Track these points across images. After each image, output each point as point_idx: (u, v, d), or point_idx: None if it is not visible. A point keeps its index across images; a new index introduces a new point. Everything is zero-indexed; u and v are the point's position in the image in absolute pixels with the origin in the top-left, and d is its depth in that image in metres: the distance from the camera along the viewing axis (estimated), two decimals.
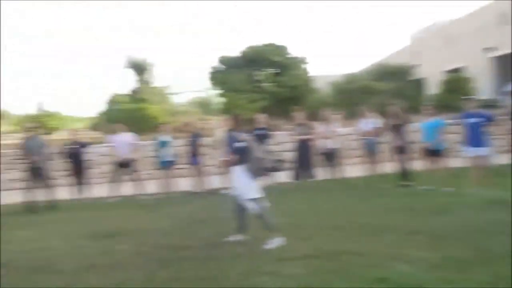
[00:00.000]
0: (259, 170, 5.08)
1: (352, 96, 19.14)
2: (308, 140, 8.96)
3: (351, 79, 20.65)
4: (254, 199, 5.01)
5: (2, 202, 9.55)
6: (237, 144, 5.04)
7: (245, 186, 5.00)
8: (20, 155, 8.65)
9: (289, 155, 9.29)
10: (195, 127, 9.68)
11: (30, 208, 8.21)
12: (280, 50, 17.44)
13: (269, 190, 8.24)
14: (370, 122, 9.39)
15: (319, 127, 9.28)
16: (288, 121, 16.43)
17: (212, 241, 5.20)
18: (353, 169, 10.03)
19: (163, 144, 9.23)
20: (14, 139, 29.48)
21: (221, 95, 18.60)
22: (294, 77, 16.96)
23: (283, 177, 8.98)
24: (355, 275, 3.72)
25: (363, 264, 3.99)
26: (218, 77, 18.17)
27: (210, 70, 18.58)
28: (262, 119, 9.38)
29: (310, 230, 5.40)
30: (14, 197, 10.48)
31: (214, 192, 8.99)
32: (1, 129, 41.91)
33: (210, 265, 4.35)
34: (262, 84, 17.39)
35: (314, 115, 18.55)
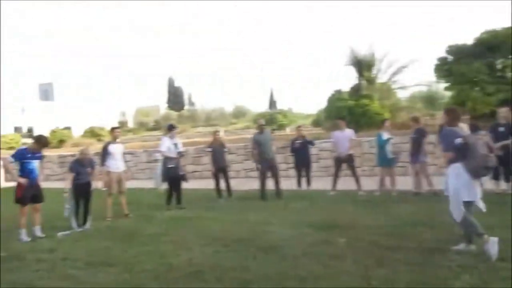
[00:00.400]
0: (480, 170, 4.44)
1: None
2: None
3: None
4: (467, 202, 4.46)
5: (240, 188, 11.12)
6: (454, 141, 4.52)
7: (458, 187, 4.47)
8: (253, 148, 9.85)
9: None
10: (419, 123, 9.05)
11: (262, 195, 9.28)
12: None
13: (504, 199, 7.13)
14: None
15: None
16: None
17: (432, 246, 4.82)
18: None
19: (384, 141, 8.99)
20: (250, 133, 34.00)
21: (450, 88, 16.89)
22: None
23: None
24: None
25: None
26: (446, 69, 16.52)
27: (436, 61, 17.07)
28: (504, 113, 8.04)
29: None
30: (249, 184, 12.08)
31: (436, 194, 8.28)
32: (240, 125, 49.13)
33: (429, 272, 4.04)
34: (503, 73, 14.92)
35: None
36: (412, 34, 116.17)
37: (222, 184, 9.45)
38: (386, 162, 8.98)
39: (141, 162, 16.30)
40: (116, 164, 8.01)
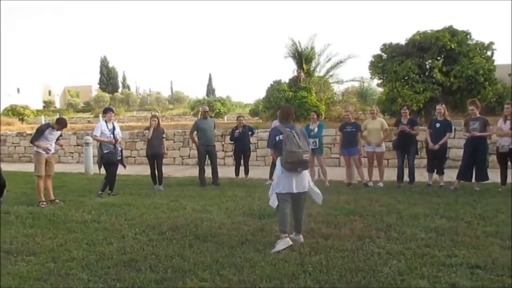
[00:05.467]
0: (288, 165, 4.67)
1: None
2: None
3: None
4: (285, 194, 4.73)
5: (176, 175, 10.90)
6: (276, 138, 4.82)
7: (276, 178, 4.81)
8: (192, 131, 9.63)
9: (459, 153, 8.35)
10: (351, 117, 9.33)
11: (200, 182, 9.15)
12: (457, 35, 15.62)
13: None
14: None
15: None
16: (460, 114, 14.81)
17: (362, 234, 5.00)
18: None
19: (313, 132, 9.08)
20: (188, 120, 33.43)
21: (382, 84, 17.71)
22: (472, 65, 15.04)
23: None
24: None
25: None
26: (379, 66, 17.26)
27: (372, 58, 17.78)
28: (441, 109, 8.41)
29: None
30: (184, 171, 11.88)
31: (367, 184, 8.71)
32: (176, 112, 48.29)
33: (359, 257, 4.19)
34: (431, 73, 15.89)
35: (491, 109, 16.32)
36: (351, 30, 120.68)
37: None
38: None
39: (70, 145, 15.43)
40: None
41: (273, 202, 4.75)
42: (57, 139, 7.61)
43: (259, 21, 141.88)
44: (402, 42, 17.15)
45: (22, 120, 30.61)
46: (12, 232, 5.47)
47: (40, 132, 7.34)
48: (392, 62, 16.59)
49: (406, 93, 15.67)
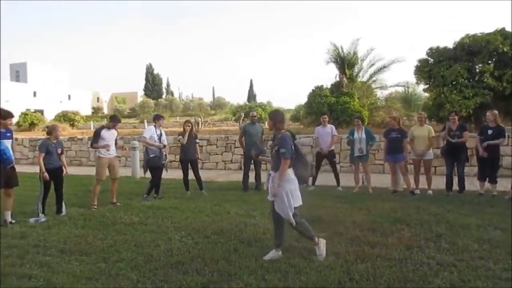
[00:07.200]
0: (306, 177, 4.68)
1: None
2: None
3: None
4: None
5: (218, 180, 11.01)
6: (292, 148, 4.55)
7: (289, 191, 4.49)
8: (240, 136, 9.70)
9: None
10: (397, 123, 9.08)
11: (243, 186, 9.22)
12: (510, 38, 14.83)
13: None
14: None
15: None
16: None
17: (410, 243, 4.85)
18: None
19: (358, 138, 8.99)
20: (229, 125, 33.77)
21: (429, 89, 17.13)
22: None
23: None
24: None
25: None
26: (425, 71, 16.72)
27: (417, 63, 17.27)
28: (491, 116, 8.02)
29: None
30: (227, 176, 11.99)
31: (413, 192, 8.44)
32: (217, 117, 49.01)
33: (407, 267, 4.06)
34: (482, 78, 15.20)
35: None
36: (395, 34, 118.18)
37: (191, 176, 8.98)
38: (352, 158, 9.10)
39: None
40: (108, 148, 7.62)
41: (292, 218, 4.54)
42: (116, 142, 7.88)
43: (300, 26, 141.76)
44: (450, 46, 16.54)
45: (72, 125, 32.04)
46: (65, 232, 5.74)
47: (97, 135, 7.67)
48: (439, 66, 16.04)
49: (454, 98, 15.08)
